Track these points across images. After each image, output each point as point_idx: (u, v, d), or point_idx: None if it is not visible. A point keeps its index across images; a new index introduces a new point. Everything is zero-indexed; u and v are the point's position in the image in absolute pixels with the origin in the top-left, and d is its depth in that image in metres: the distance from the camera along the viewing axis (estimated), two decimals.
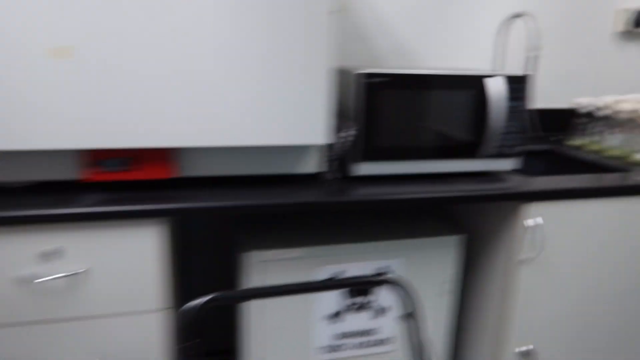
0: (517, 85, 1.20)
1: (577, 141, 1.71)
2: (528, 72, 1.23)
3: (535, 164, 1.72)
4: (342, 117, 1.20)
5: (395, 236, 1.21)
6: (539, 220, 1.17)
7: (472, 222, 1.41)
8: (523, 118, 1.22)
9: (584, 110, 1.69)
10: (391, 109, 1.14)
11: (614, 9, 1.91)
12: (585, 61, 1.94)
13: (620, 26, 1.90)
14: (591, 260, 1.26)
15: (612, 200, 1.22)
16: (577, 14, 1.86)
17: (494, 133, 1.19)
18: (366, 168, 1.16)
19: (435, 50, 1.74)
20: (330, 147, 1.18)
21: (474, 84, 1.18)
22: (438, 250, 1.23)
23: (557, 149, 1.67)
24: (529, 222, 1.17)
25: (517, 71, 1.53)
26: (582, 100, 1.68)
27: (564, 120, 1.90)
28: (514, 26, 1.76)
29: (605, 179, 1.27)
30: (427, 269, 1.23)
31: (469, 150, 1.21)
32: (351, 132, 1.16)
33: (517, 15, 1.56)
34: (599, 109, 1.61)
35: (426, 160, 1.19)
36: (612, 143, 1.56)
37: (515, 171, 1.30)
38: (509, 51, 1.80)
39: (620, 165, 1.43)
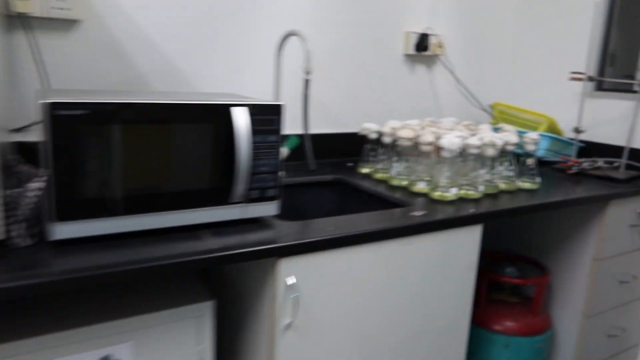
0: (270, 115, 1.01)
1: (366, 168, 1.61)
2: (293, 99, 1.05)
3: (322, 195, 1.57)
4: (33, 162, 0.89)
5: (121, 313, 0.93)
6: (293, 279, 0.98)
7: (228, 281, 1.18)
8: (279, 153, 1.03)
9: (372, 136, 1.59)
10: (99, 149, 0.86)
11: (404, 32, 1.88)
12: (378, 84, 1.87)
13: (408, 49, 1.87)
14: (360, 314, 1.12)
15: (381, 245, 1.09)
16: (365, 36, 1.78)
17: (244, 174, 0.98)
18: (66, 230, 0.86)
19: (209, 70, 1.51)
20: (12, 203, 0.85)
21: (214, 115, 0.95)
22: (180, 324, 0.97)
23: (345, 179, 1.54)
24: (286, 279, 0.98)
25: (288, 95, 1.36)
26: (370, 126, 1.59)
27: (358, 146, 1.80)
28: (295, 46, 1.62)
29: (381, 217, 1.14)
30: (166, 350, 0.96)
31: (215, 197, 0.98)
32: (40, 183, 0.85)
33: (290, 35, 1.40)
34: (383, 135, 1.52)
35: (155, 212, 0.93)
36: (397, 171, 1.47)
37: (277, 217, 1.10)
38: (286, 74, 1.64)
39: (402, 198, 1.33)
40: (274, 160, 1.02)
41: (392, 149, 1.54)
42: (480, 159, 1.41)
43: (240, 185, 0.97)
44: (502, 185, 1.46)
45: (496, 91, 2.20)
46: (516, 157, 1.49)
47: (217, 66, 1.52)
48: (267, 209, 1.04)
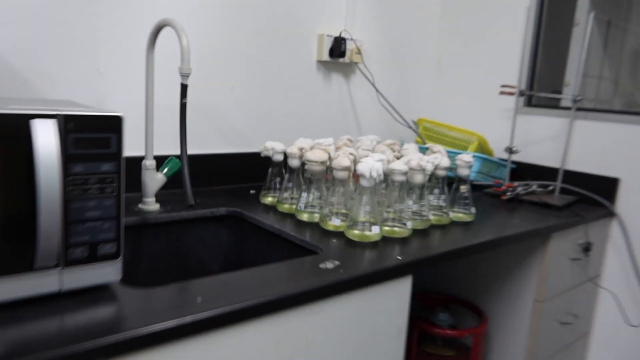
0: (104, 133, 0.66)
1: (270, 197, 1.29)
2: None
3: (211, 235, 1.23)
4: None
5: None
6: None
7: None
8: (120, 189, 0.68)
9: (277, 158, 1.28)
10: None
11: (316, 34, 1.60)
12: (288, 94, 1.57)
13: (322, 54, 1.60)
14: None
15: (277, 318, 0.77)
16: (270, 36, 1.48)
17: (50, 223, 0.62)
18: None
19: (61, 70, 1.13)
20: None
21: (3, 132, 0.59)
22: None
23: (242, 213, 1.21)
24: None
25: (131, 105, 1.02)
26: (274, 145, 1.28)
27: (264, 168, 1.49)
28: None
29: (280, 272, 0.83)
30: None
31: (8, 261, 0.62)
32: None
33: (163, 26, 1.06)
34: (290, 156, 1.22)
35: None
36: (306, 202, 1.17)
37: (124, 281, 0.75)
38: (170, 78, 1.30)
39: (309, 242, 1.02)
40: (112, 200, 0.68)
41: (300, 174, 1.24)
42: (407, 186, 1.15)
43: (45, 242, 0.62)
44: (433, 218, 1.21)
45: (420, 106, 1.98)
46: (447, 182, 1.25)
47: (73, 66, 1.15)
48: (101, 273, 0.69)
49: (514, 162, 1.73)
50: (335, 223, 1.08)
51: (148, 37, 1.10)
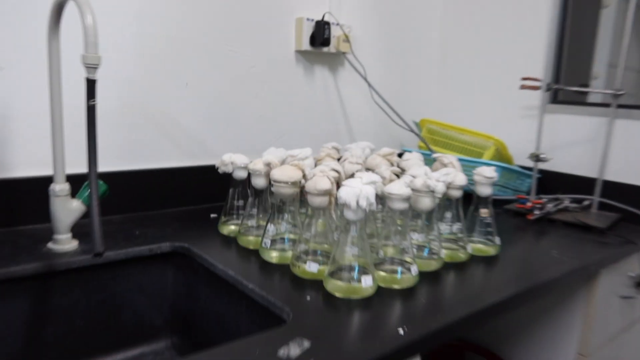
0: None
1: (231, 226, 0.99)
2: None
3: (147, 281, 0.93)
4: None
5: None
6: None
7: None
8: None
9: (239, 176, 0.98)
10: None
11: (294, 18, 1.30)
12: (260, 92, 1.27)
13: (301, 43, 1.30)
14: None
15: None
16: (235, 19, 1.18)
17: None
18: None
19: None
20: None
21: None
22: None
23: (191, 250, 0.91)
24: None
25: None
26: (235, 159, 0.98)
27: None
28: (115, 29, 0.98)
29: None
30: None
31: None
32: None
33: (64, 2, 0.76)
34: (253, 173, 0.91)
35: None
36: (274, 234, 0.86)
37: None
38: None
39: (273, 303, 0.72)
40: None
41: (268, 197, 0.94)
42: (411, 213, 0.85)
43: None
44: (447, 254, 0.90)
45: (423, 104, 1.68)
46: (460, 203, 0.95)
47: None
48: None
49: (539, 171, 1.43)
50: (311, 269, 0.78)
51: (48, 17, 0.80)
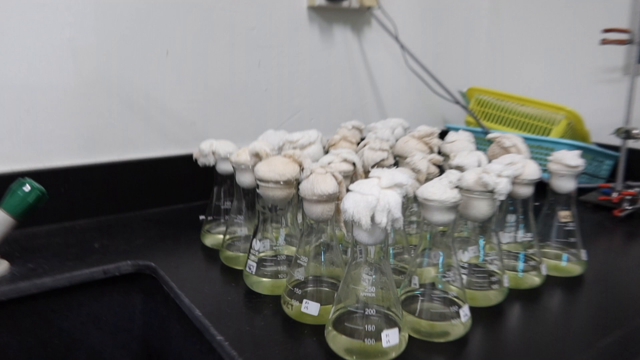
0: None
1: (215, 234, 0.76)
2: None
3: (100, 317, 0.71)
4: None
5: None
6: None
7: None
8: None
9: (223, 170, 0.74)
10: None
11: None
12: (264, 60, 1.02)
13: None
14: None
15: None
16: None
17: None
18: None
19: None
20: None
21: None
22: None
23: (157, 271, 0.68)
24: None
25: None
26: (219, 147, 0.73)
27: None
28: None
29: None
30: None
31: None
32: None
33: None
34: (236, 168, 0.67)
35: None
36: (264, 248, 0.62)
37: None
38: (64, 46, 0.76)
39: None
40: None
41: (256, 200, 0.69)
42: (458, 223, 0.58)
43: None
44: (512, 279, 0.63)
45: (470, 70, 1.38)
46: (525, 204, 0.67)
47: None
48: None
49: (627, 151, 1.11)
50: (310, 311, 0.53)
51: None
